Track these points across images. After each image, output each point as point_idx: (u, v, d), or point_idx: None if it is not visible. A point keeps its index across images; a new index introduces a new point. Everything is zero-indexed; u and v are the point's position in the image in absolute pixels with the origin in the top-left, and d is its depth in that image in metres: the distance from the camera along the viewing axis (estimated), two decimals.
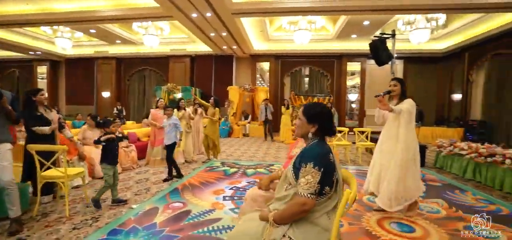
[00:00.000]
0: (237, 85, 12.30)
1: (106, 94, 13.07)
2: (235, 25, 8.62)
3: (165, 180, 4.21)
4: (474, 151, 4.44)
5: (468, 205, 3.26)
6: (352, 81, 13.65)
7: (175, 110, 5.88)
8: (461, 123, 10.04)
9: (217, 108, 5.81)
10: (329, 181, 1.30)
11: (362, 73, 12.04)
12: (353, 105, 14.25)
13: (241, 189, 3.73)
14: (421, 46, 10.43)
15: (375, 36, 8.30)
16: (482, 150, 4.29)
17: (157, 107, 5.47)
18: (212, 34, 9.54)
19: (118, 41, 11.49)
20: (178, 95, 11.70)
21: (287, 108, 9.21)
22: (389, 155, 2.79)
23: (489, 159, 4.09)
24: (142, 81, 13.45)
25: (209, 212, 2.91)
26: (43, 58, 12.93)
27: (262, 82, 13.92)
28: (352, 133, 6.68)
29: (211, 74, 12.71)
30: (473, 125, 9.34)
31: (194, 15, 7.73)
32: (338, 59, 12.12)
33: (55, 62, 13.51)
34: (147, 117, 5.93)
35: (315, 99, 10.03)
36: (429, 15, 8.44)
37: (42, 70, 13.42)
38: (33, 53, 12.01)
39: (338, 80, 12.22)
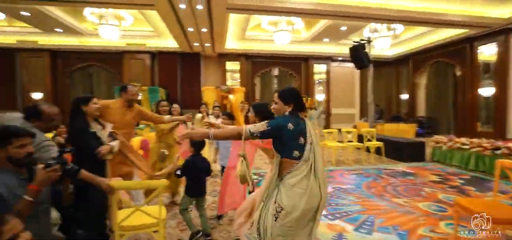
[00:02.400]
0: (206, 85, 11.42)
1: (37, 96, 10.25)
2: (222, 22, 7.97)
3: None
4: (477, 145, 5.19)
5: None
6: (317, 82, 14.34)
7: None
8: (411, 119, 11.75)
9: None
10: (283, 142, 1.64)
11: (328, 74, 12.81)
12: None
13: None
14: (377, 51, 11.73)
15: (354, 42, 8.97)
16: (486, 145, 5.04)
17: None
18: (191, 29, 8.57)
19: (58, 30, 9.14)
20: (138, 97, 10.16)
21: None
22: None
23: (498, 152, 4.82)
24: (87, 79, 11.12)
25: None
26: None
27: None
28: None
29: (176, 74, 11.45)
30: (422, 121, 11.06)
31: (183, 6, 6.75)
32: (305, 61, 12.60)
33: None
34: None
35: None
36: (393, 25, 9.58)
37: None
38: None
39: (306, 81, 12.70)
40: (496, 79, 8.72)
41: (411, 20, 8.17)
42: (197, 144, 2.55)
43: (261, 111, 2.15)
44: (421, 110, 11.87)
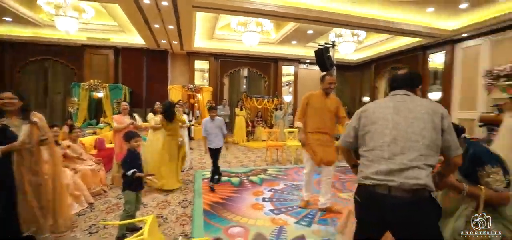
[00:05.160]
0: (173, 84, 11.20)
1: None
2: (189, 19, 7.87)
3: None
4: None
5: None
6: (285, 84, 14.67)
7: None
8: None
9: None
10: None
11: (295, 76, 13.18)
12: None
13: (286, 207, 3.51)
14: (342, 56, 12.33)
15: (320, 45, 9.33)
16: None
17: (119, 112, 4.42)
18: (157, 26, 8.37)
19: (7, 19, 8.44)
20: (100, 94, 9.72)
21: (241, 109, 9.10)
22: None
23: None
24: (41, 74, 10.33)
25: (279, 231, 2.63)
26: None
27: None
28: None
29: (142, 71, 11.07)
30: None
31: (147, 1, 6.60)
32: (275, 62, 12.85)
33: None
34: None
35: (265, 102, 10.28)
36: (356, 31, 10.13)
37: None
38: None
39: (274, 82, 12.96)
40: (443, 84, 9.60)
41: (371, 27, 8.71)
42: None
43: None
44: None
